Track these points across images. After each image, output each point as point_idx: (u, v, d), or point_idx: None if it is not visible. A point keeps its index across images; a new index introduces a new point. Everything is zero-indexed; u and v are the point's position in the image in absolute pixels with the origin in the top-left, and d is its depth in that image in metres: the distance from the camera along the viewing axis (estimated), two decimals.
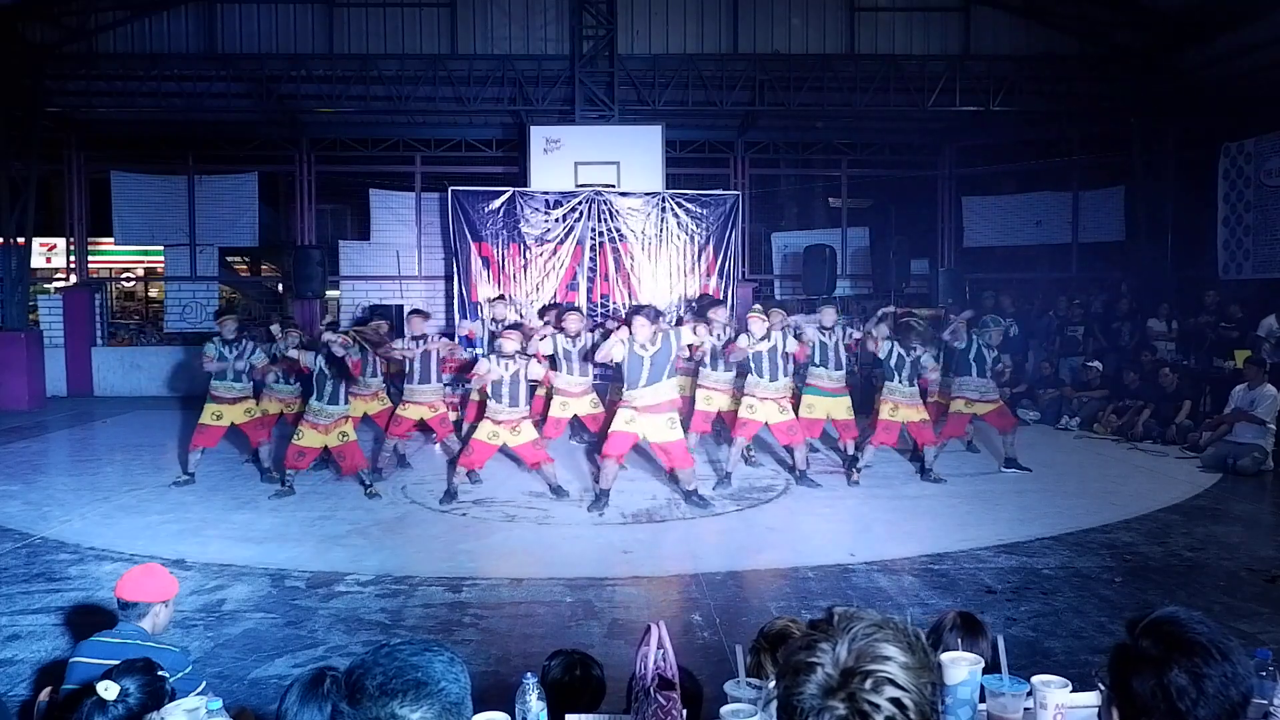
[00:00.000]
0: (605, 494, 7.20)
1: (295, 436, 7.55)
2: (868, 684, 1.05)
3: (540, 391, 8.76)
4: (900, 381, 7.96)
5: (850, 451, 8.35)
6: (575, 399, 8.31)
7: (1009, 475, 8.29)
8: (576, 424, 9.10)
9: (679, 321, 9.18)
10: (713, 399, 8.47)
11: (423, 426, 8.65)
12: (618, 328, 7.39)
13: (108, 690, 2.34)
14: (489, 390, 7.44)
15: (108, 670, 2.49)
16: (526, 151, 12.09)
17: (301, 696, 2.25)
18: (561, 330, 8.19)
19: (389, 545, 6.26)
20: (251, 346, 8.11)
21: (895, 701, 1.05)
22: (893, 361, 7.98)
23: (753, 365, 7.76)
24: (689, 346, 8.03)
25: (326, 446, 7.60)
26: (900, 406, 7.97)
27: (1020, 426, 10.84)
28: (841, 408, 8.27)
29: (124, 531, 6.49)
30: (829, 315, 8.29)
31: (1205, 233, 12.16)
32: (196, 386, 13.95)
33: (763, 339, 7.68)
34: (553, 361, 8.12)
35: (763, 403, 7.73)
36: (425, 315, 8.48)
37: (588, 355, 7.98)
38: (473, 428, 8.04)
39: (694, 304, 9.62)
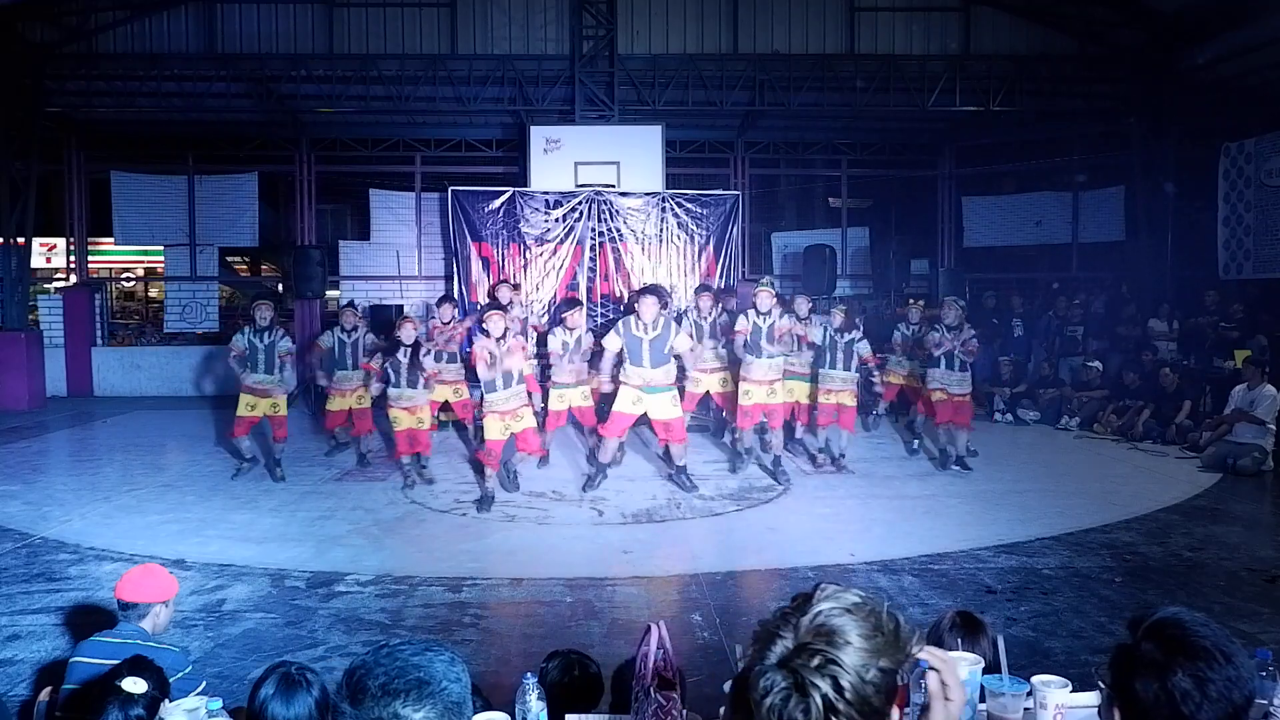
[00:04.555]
0: (604, 468, 7.67)
1: (394, 424, 7.73)
2: (813, 661, 1.10)
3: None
4: (834, 367, 8.34)
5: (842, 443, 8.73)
6: (569, 389, 8.33)
7: (1009, 475, 8.29)
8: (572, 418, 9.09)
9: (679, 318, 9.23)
10: (701, 381, 8.73)
11: (446, 409, 9.12)
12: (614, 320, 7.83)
13: (136, 685, 2.35)
14: (485, 382, 7.28)
15: (113, 669, 2.49)
16: (526, 151, 12.09)
17: (286, 700, 2.27)
18: (563, 323, 8.26)
19: (389, 545, 6.26)
20: (281, 333, 8.12)
21: (833, 680, 1.08)
22: (825, 345, 8.36)
23: (751, 344, 7.81)
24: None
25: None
26: (833, 391, 8.43)
27: (1023, 427, 10.97)
28: (807, 390, 8.69)
29: (124, 531, 6.49)
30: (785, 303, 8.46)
31: (1205, 233, 12.17)
32: (199, 387, 14.00)
33: (765, 314, 7.78)
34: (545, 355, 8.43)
35: (757, 385, 7.86)
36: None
37: (591, 359, 8.21)
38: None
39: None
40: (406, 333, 7.73)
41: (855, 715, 1.09)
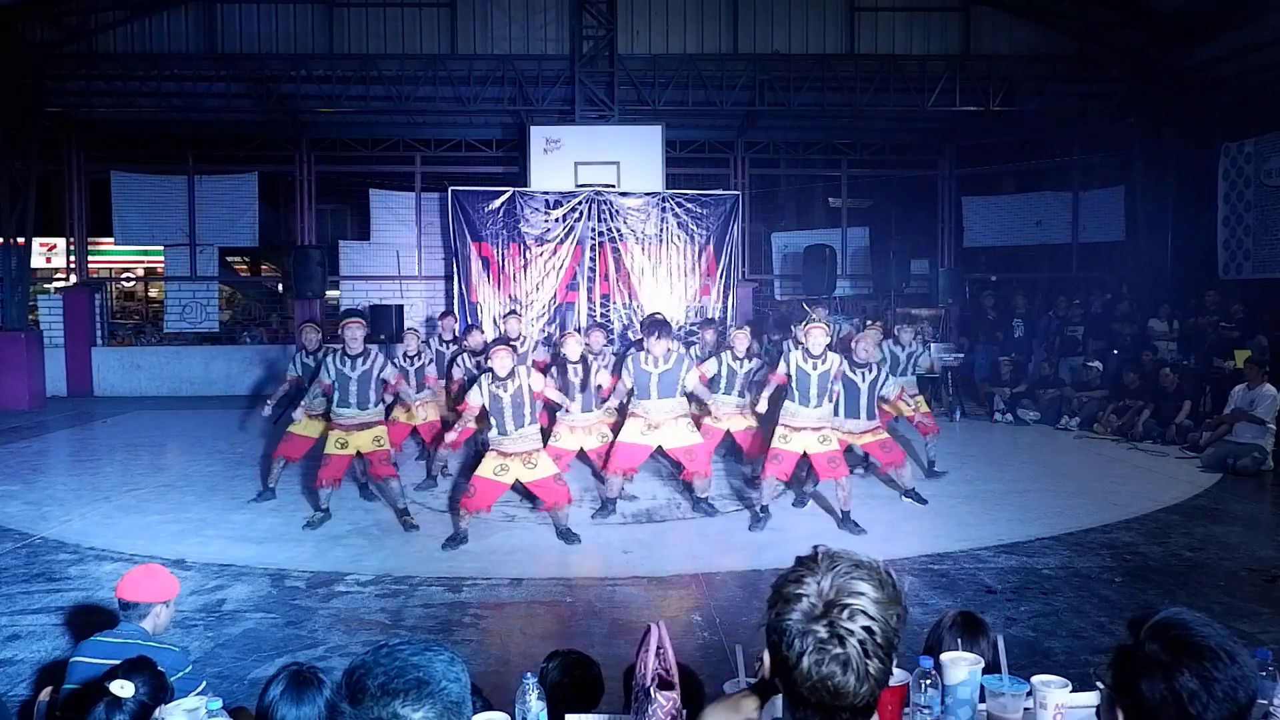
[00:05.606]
0: (613, 502, 6.96)
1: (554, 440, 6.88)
2: (844, 614, 1.27)
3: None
4: (724, 392, 7.45)
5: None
6: (583, 431, 7.23)
7: (1008, 475, 8.29)
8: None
9: (688, 344, 8.83)
10: (722, 420, 7.69)
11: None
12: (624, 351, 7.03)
13: (123, 689, 2.35)
14: (491, 420, 6.28)
15: (109, 670, 2.49)
16: (526, 151, 12.10)
17: (296, 699, 2.26)
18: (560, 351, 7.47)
19: (389, 545, 6.26)
20: (380, 360, 6.80)
21: (866, 629, 1.27)
22: (723, 374, 7.47)
23: (796, 391, 6.53)
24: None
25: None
26: (723, 417, 7.54)
27: (1023, 427, 10.97)
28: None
29: (124, 531, 6.49)
30: (741, 340, 7.58)
31: (1205, 233, 12.16)
32: (195, 387, 13.99)
33: (817, 358, 6.51)
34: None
35: (798, 433, 6.56)
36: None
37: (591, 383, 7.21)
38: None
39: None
40: (571, 348, 7.03)
41: (883, 657, 1.27)
